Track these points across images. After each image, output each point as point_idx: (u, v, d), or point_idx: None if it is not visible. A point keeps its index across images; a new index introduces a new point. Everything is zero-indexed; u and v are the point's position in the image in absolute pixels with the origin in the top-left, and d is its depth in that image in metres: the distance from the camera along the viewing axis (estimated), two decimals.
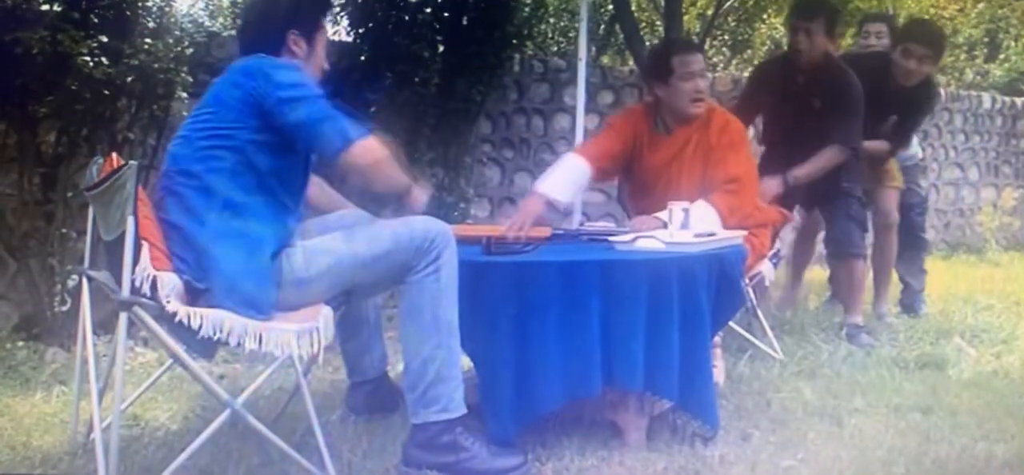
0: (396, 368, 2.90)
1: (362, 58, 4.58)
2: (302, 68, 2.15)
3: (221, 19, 6.72)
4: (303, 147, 2.12)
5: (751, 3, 6.67)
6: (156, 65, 3.54)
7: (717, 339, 2.83)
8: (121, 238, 1.95)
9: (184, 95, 3.97)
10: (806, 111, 3.60)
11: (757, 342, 3.31)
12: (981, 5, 10.77)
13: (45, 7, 3.31)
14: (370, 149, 2.09)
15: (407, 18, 4.43)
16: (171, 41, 3.92)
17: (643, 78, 3.16)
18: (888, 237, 4.15)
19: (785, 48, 3.91)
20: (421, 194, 2.28)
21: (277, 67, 2.08)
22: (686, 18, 6.76)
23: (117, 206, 1.97)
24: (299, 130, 2.04)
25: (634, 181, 3.13)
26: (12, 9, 3.32)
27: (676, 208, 2.53)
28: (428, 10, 4.54)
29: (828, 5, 3.72)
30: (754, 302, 3.24)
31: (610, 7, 5.75)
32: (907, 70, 3.79)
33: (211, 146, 2.04)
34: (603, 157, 3.02)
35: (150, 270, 1.91)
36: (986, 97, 8.09)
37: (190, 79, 4.03)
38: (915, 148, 4.54)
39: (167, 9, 4.06)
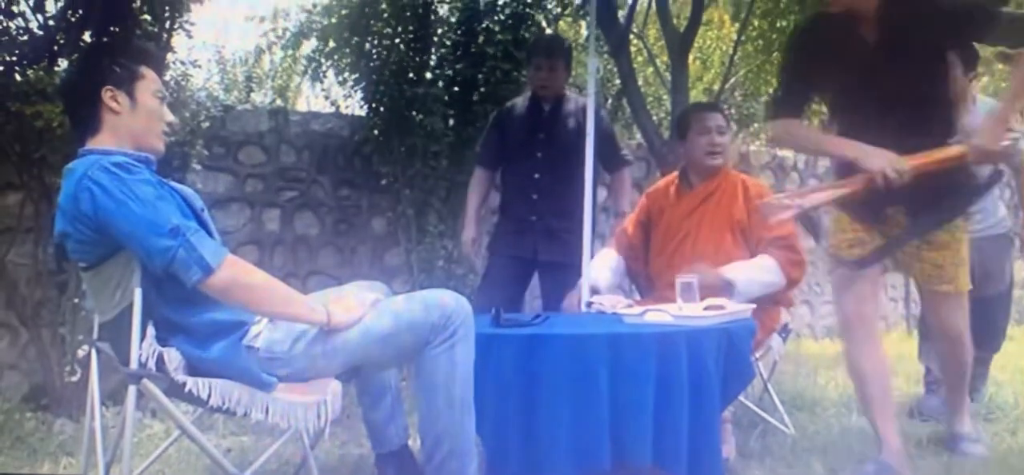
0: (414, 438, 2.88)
1: (375, 132, 4.67)
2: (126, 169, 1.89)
3: (235, 93, 6.85)
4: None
5: (757, 79, 6.76)
6: (172, 138, 3.60)
7: (727, 414, 2.79)
8: (117, 319, 1.95)
9: (198, 167, 4.04)
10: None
11: (768, 417, 3.27)
12: (985, 79, 10.85)
13: None
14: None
15: (420, 93, 4.52)
16: (187, 115, 4.01)
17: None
18: (953, 351, 2.75)
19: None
20: (348, 311, 2.07)
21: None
22: (693, 93, 6.86)
23: (115, 286, 1.94)
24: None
25: (655, 238, 3.22)
26: (34, 83, 3.41)
27: (683, 281, 2.54)
28: (440, 86, 4.64)
29: None
30: (764, 377, 3.22)
31: (617, 82, 5.82)
32: None
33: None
34: (624, 235, 3.30)
35: (155, 346, 1.90)
36: None
37: (206, 152, 4.10)
38: (998, 209, 3.31)
39: (183, 83, 4.16)
